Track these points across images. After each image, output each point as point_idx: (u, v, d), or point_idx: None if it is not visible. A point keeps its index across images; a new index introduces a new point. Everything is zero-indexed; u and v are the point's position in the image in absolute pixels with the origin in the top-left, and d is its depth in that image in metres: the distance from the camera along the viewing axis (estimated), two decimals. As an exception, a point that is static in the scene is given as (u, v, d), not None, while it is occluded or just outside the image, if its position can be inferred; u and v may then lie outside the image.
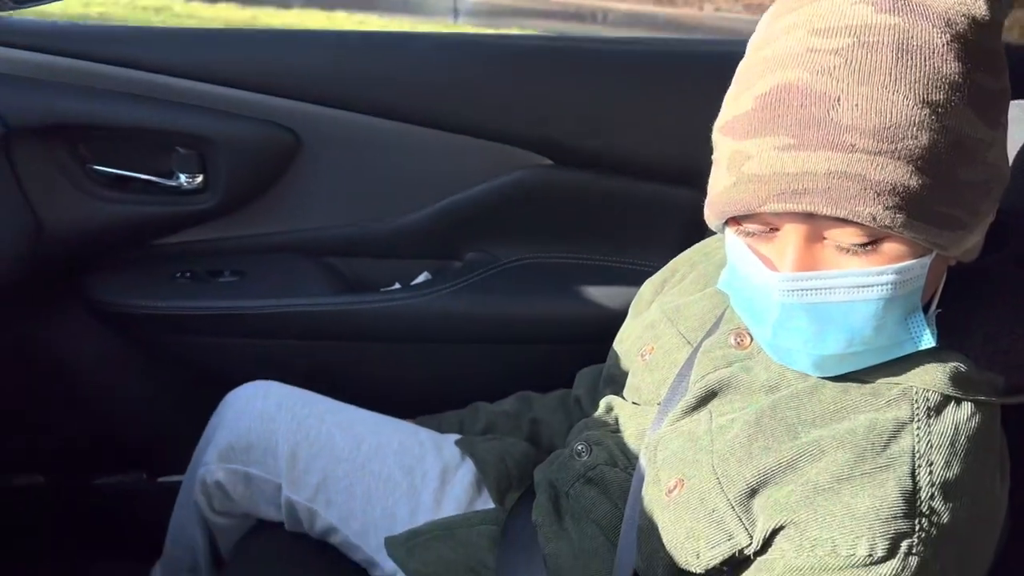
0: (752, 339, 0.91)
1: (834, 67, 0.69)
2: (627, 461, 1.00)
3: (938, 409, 0.77)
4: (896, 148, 0.68)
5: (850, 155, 0.68)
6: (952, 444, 0.75)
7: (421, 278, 1.62)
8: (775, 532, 0.78)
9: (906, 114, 0.68)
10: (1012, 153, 0.81)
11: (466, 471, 1.24)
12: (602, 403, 1.12)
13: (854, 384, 0.81)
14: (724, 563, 0.82)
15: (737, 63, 0.81)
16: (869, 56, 0.68)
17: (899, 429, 0.76)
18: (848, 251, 0.73)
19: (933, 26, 0.69)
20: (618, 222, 1.57)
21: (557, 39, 1.58)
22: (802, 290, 0.75)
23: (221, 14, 5.53)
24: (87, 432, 1.68)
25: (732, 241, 0.82)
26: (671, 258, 1.19)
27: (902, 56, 0.68)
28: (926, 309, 0.79)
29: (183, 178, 1.50)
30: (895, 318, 0.76)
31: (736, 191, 0.75)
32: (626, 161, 1.52)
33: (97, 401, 1.66)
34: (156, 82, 1.45)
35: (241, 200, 1.55)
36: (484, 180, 1.54)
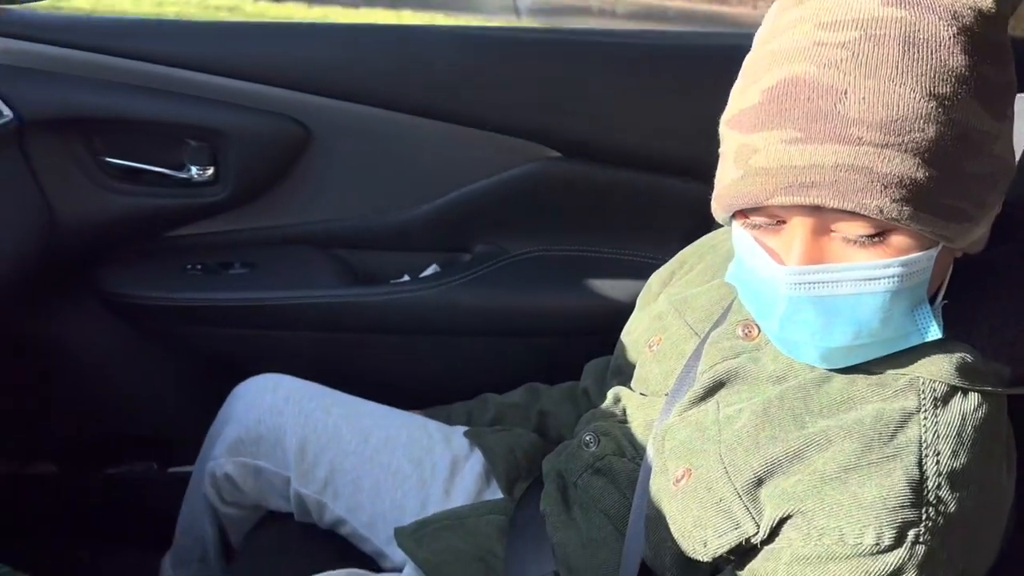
0: (760, 330, 0.91)
1: (841, 60, 0.69)
2: (635, 451, 1.00)
3: (945, 399, 0.78)
4: (903, 141, 0.68)
5: (857, 148, 0.68)
6: (959, 434, 0.76)
7: (430, 270, 1.62)
8: (782, 521, 0.79)
9: (913, 107, 0.68)
10: (1018, 145, 0.81)
11: (475, 462, 1.25)
12: (610, 394, 1.12)
13: (861, 375, 0.81)
14: (731, 552, 0.83)
15: (745, 56, 0.81)
16: (876, 49, 0.69)
17: (906, 419, 0.77)
18: (855, 243, 0.74)
19: (940, 19, 0.69)
20: (626, 215, 1.57)
21: (566, 31, 1.57)
22: (809, 283, 0.75)
23: (289, 12, 5.51)
24: (99, 422, 1.69)
25: (739, 234, 0.82)
26: (679, 250, 1.19)
27: (909, 49, 0.68)
28: (932, 301, 0.79)
29: (194, 170, 1.51)
30: (902, 310, 0.76)
31: (743, 184, 0.75)
32: (635, 154, 1.53)
33: (108, 391, 1.67)
34: (168, 75, 1.46)
35: (252, 192, 1.55)
36: (493, 173, 1.54)
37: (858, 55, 0.69)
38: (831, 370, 0.83)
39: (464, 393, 1.42)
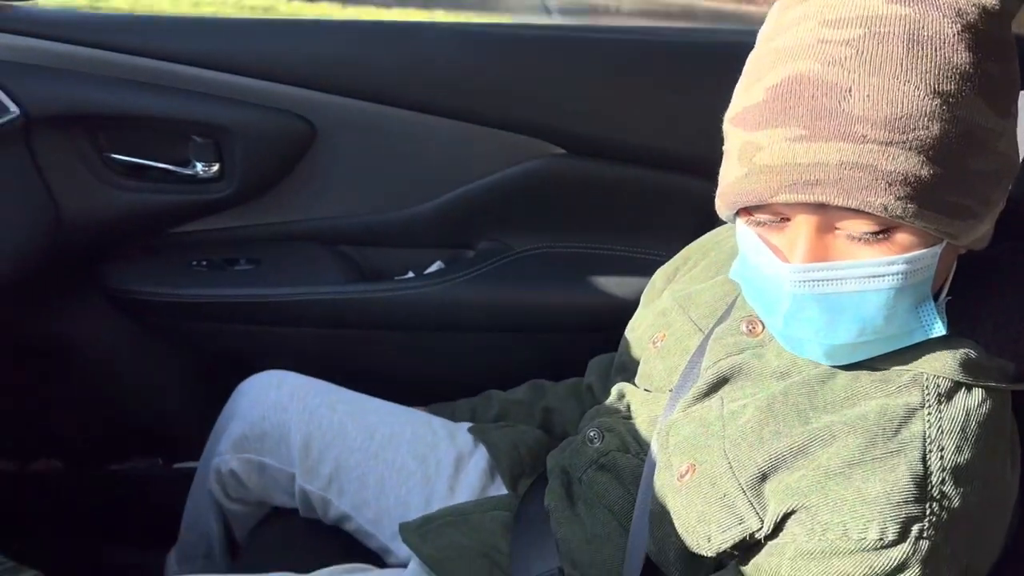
0: (764, 326, 0.91)
1: (845, 58, 0.69)
2: (639, 447, 1.00)
3: (949, 395, 0.78)
4: (907, 138, 0.68)
5: (862, 146, 0.68)
6: (963, 429, 0.76)
7: (434, 267, 1.62)
8: (786, 516, 0.79)
9: (917, 104, 0.68)
10: (1022, 142, 0.81)
11: (479, 458, 1.25)
12: (614, 390, 1.12)
13: (865, 371, 0.81)
14: (735, 547, 0.83)
15: (749, 53, 0.81)
16: (880, 47, 0.69)
17: (910, 414, 0.77)
18: (859, 241, 0.74)
19: (944, 16, 0.69)
20: (631, 211, 1.57)
21: (570, 28, 1.58)
22: (813, 281, 0.75)
23: (323, 12, 5.52)
24: (103, 418, 1.69)
25: (743, 231, 0.82)
26: (683, 247, 1.19)
27: (913, 46, 0.68)
28: (936, 297, 0.79)
29: (199, 167, 1.51)
30: (906, 307, 0.76)
31: (748, 182, 0.75)
32: (639, 150, 1.53)
33: (113, 388, 1.68)
34: (174, 71, 1.46)
35: (257, 189, 1.56)
36: (497, 169, 1.54)
37: (862, 53, 0.69)
38: (835, 367, 0.83)
39: (468, 389, 1.43)
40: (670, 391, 0.99)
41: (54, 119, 1.43)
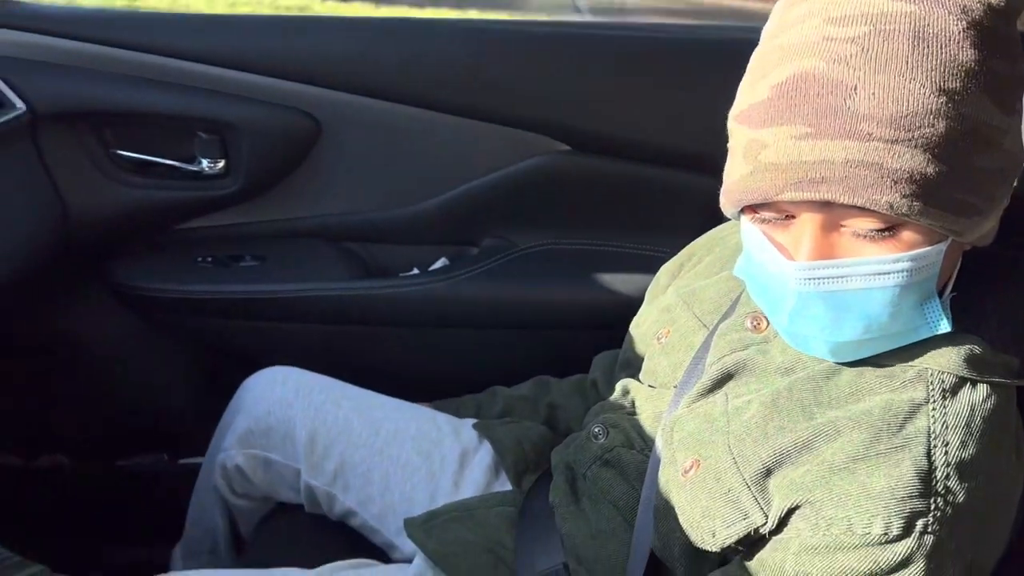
0: (768, 323, 0.91)
1: (850, 56, 0.69)
2: (643, 443, 1.01)
3: (954, 390, 0.78)
4: (913, 136, 0.68)
5: (867, 144, 0.68)
6: (968, 425, 0.76)
7: (439, 264, 1.62)
8: (790, 511, 0.79)
9: (923, 102, 0.68)
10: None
11: (484, 454, 1.25)
12: (618, 386, 1.12)
13: (870, 367, 0.81)
14: (740, 542, 0.83)
15: (753, 50, 0.81)
16: (885, 44, 0.68)
17: (915, 410, 0.77)
18: (864, 238, 0.74)
19: (949, 13, 0.69)
20: (635, 208, 1.57)
21: (575, 25, 1.58)
22: (819, 279, 0.75)
23: (356, 11, 5.51)
24: (109, 414, 1.69)
25: (748, 229, 0.82)
26: (687, 244, 1.20)
27: (919, 44, 0.68)
28: (941, 294, 0.79)
29: (205, 163, 1.52)
30: (911, 304, 0.76)
31: (753, 180, 0.75)
32: (644, 147, 1.53)
33: (119, 383, 1.68)
34: (180, 68, 1.46)
35: (262, 185, 1.56)
36: (502, 166, 1.54)
37: (868, 50, 0.69)
38: (840, 363, 0.83)
39: (473, 386, 1.43)
40: (674, 387, 0.99)
41: (61, 116, 1.43)
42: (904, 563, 0.72)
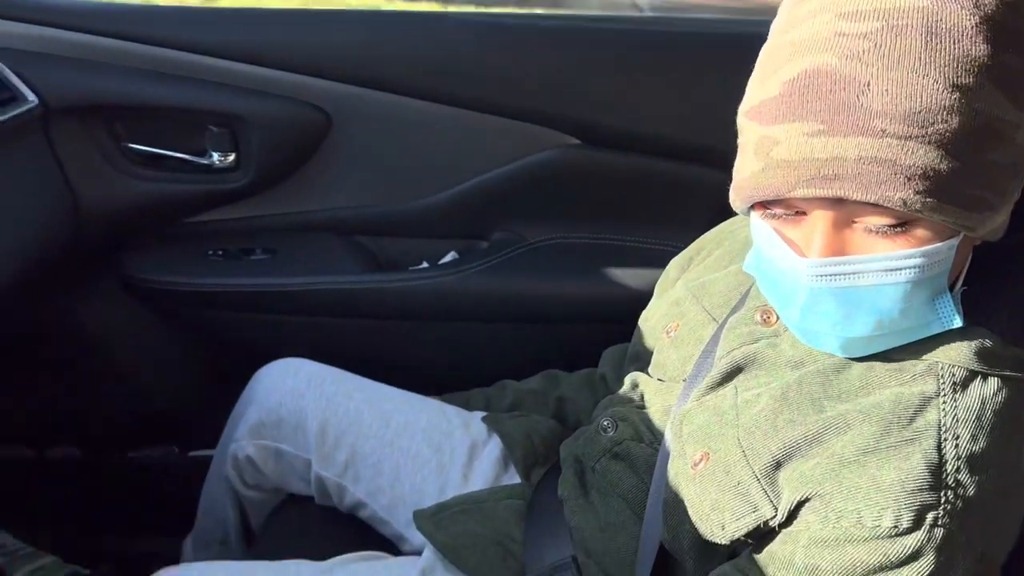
0: (778, 317, 0.91)
1: (863, 51, 0.69)
2: (653, 436, 1.01)
3: (964, 384, 0.78)
4: (927, 133, 0.67)
5: (880, 140, 0.68)
6: (978, 418, 0.76)
7: (448, 257, 1.63)
8: (800, 504, 0.79)
9: (936, 98, 0.67)
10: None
11: (493, 447, 1.25)
12: (627, 380, 1.12)
13: (880, 360, 0.81)
14: (749, 535, 0.83)
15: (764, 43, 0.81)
16: (898, 40, 0.68)
17: (925, 403, 0.77)
18: (876, 234, 0.73)
19: (962, 8, 0.69)
20: (645, 202, 1.57)
21: (586, 18, 1.57)
22: (831, 275, 0.75)
23: (368, 5, 5.50)
24: (120, 406, 1.70)
25: (757, 224, 0.82)
26: (697, 238, 1.19)
27: (931, 39, 0.68)
28: (951, 288, 0.79)
29: (216, 156, 1.52)
30: (922, 300, 0.76)
31: (764, 176, 0.75)
32: (654, 141, 1.52)
33: (129, 376, 1.69)
34: (190, 61, 1.47)
35: (272, 179, 1.56)
36: (512, 160, 1.54)
37: (880, 46, 0.68)
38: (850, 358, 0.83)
39: (482, 379, 1.43)
40: (684, 380, 0.99)
41: (72, 109, 1.44)
42: (914, 556, 0.73)
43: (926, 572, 0.73)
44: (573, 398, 1.33)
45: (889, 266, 0.74)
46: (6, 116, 1.32)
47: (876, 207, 0.71)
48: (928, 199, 0.69)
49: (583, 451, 1.08)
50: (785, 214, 0.77)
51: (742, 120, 0.80)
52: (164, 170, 1.54)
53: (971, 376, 0.78)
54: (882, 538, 0.73)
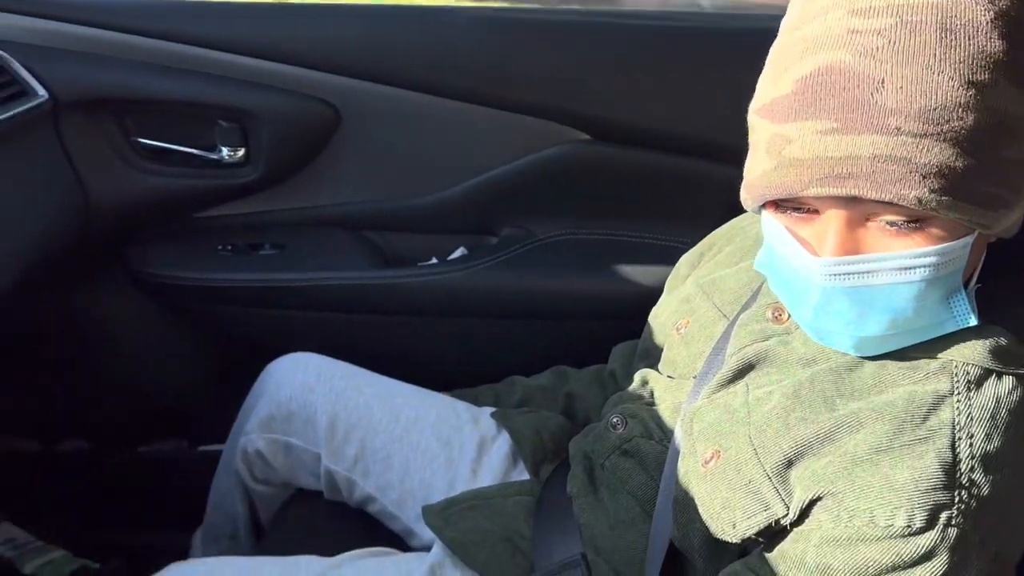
0: (790, 314, 0.91)
1: (877, 48, 0.68)
2: (662, 433, 1.00)
3: (978, 382, 0.77)
4: (942, 130, 0.67)
5: (895, 138, 0.67)
6: (993, 417, 0.75)
7: (458, 253, 1.62)
8: (812, 503, 0.79)
9: (951, 95, 0.67)
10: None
11: (502, 443, 1.25)
12: (637, 376, 1.12)
13: (893, 358, 0.81)
14: (760, 534, 0.83)
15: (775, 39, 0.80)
16: (912, 37, 0.67)
17: (939, 402, 0.76)
18: (890, 233, 0.73)
19: (976, 3, 0.68)
20: (655, 198, 1.57)
21: (596, 13, 1.56)
22: (844, 274, 0.74)
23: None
24: (129, 400, 1.71)
25: (769, 223, 0.81)
26: (708, 234, 1.19)
27: (946, 35, 0.67)
28: (966, 285, 0.79)
29: (225, 151, 1.52)
30: (937, 298, 0.76)
31: (777, 175, 0.74)
32: (664, 137, 1.52)
33: (138, 370, 1.69)
34: (200, 56, 1.47)
35: (282, 174, 1.56)
36: (522, 155, 1.54)
37: (894, 43, 0.68)
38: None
39: (491, 375, 1.43)
40: (694, 377, 0.99)
41: (82, 103, 1.44)
42: (927, 556, 0.72)
43: (939, 572, 0.72)
44: (582, 394, 1.33)
45: (903, 264, 0.73)
46: (16, 111, 1.33)
47: (890, 205, 0.70)
48: (943, 197, 0.68)
49: (592, 448, 1.08)
50: (797, 212, 0.77)
51: (753, 118, 0.79)
52: (173, 165, 1.54)
53: (986, 374, 0.78)
54: (895, 537, 0.73)
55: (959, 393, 0.76)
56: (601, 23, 1.53)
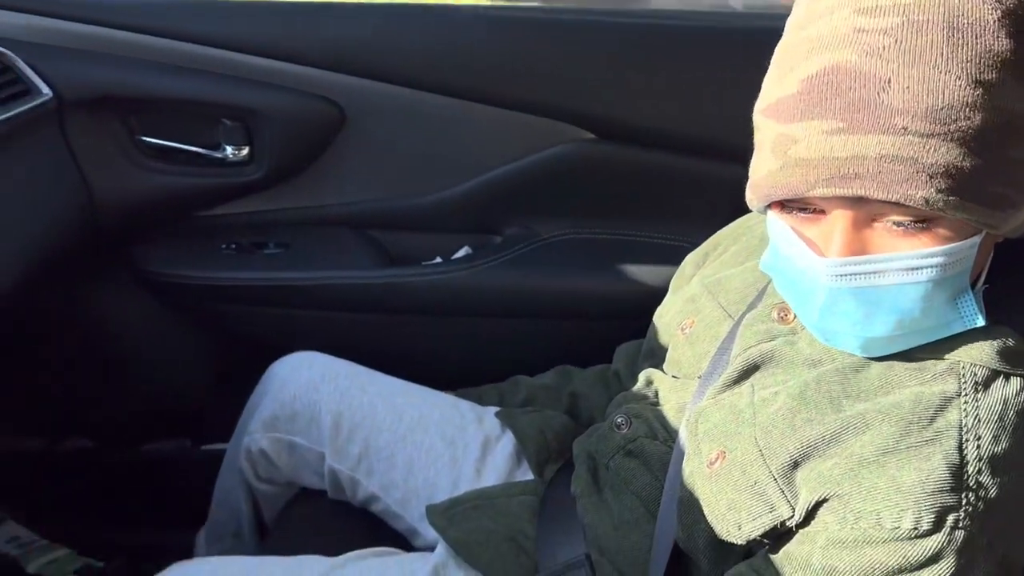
0: (796, 315, 0.91)
1: (883, 48, 0.68)
2: (667, 434, 1.00)
3: (986, 384, 0.77)
4: (949, 130, 0.67)
5: (902, 138, 0.67)
6: (1001, 419, 0.75)
7: (462, 252, 1.62)
8: (818, 504, 0.78)
9: (958, 95, 0.66)
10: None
11: (506, 442, 1.25)
12: (641, 376, 1.12)
13: (900, 359, 0.80)
14: (766, 535, 0.82)
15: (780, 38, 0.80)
16: (919, 36, 0.67)
17: (946, 403, 0.76)
18: (896, 233, 0.73)
19: (983, 2, 0.68)
20: (660, 197, 1.56)
21: (601, 12, 1.56)
22: (851, 275, 0.74)
23: None
24: (133, 399, 1.71)
25: (774, 223, 0.81)
26: (713, 233, 1.19)
27: (953, 35, 0.67)
28: (973, 286, 0.78)
29: (230, 150, 1.52)
30: (944, 299, 0.76)
31: (782, 175, 0.74)
32: (668, 135, 1.51)
33: (143, 369, 1.69)
34: (204, 54, 1.46)
35: (286, 172, 1.56)
36: (526, 154, 1.53)
37: (901, 42, 0.67)
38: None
39: (495, 375, 1.43)
40: (699, 378, 0.98)
41: (87, 102, 1.44)
42: (934, 558, 0.72)
43: (946, 575, 0.72)
44: (587, 394, 1.33)
45: (910, 265, 0.73)
46: (21, 109, 1.33)
47: (897, 206, 0.70)
48: (950, 197, 0.68)
49: (596, 448, 1.08)
50: (803, 212, 0.77)
51: (758, 118, 0.79)
52: (178, 163, 1.54)
53: (993, 376, 0.77)
54: (901, 540, 0.72)
55: (966, 394, 0.76)
56: (605, 22, 1.53)
